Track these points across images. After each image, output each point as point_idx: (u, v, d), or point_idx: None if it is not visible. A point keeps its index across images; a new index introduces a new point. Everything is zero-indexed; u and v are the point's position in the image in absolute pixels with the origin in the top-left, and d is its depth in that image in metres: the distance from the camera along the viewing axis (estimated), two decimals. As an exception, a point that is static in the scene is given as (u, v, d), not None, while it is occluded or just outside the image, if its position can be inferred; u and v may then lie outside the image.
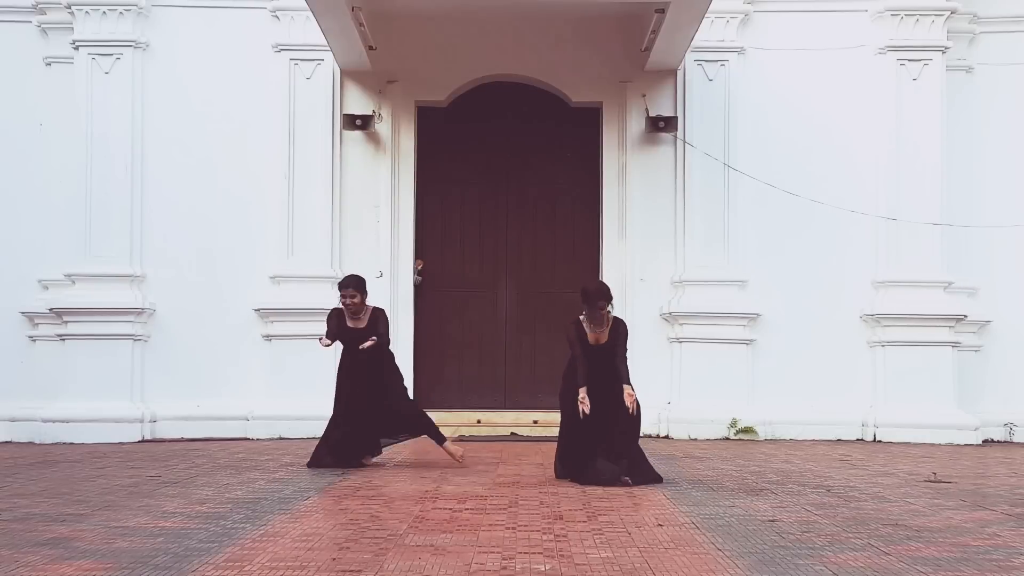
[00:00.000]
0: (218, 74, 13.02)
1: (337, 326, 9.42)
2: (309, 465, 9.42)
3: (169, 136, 12.96)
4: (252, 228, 12.96)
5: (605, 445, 8.41)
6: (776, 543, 5.90)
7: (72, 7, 12.79)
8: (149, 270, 12.87)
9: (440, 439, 9.68)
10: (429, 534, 6.17)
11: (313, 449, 9.66)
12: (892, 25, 13.07)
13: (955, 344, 12.93)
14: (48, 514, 6.87)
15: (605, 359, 8.62)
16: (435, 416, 12.93)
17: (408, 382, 12.82)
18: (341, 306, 9.46)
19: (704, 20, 11.93)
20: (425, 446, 11.73)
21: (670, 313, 12.83)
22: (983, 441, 12.90)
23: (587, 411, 8.42)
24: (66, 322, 12.64)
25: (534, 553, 5.58)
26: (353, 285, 9.41)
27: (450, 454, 9.59)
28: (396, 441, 9.87)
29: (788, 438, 12.76)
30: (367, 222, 13.03)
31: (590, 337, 8.66)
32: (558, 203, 13.67)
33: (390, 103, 13.08)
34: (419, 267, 13.31)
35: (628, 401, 8.44)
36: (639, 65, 12.95)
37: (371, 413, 9.45)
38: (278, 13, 12.99)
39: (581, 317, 8.74)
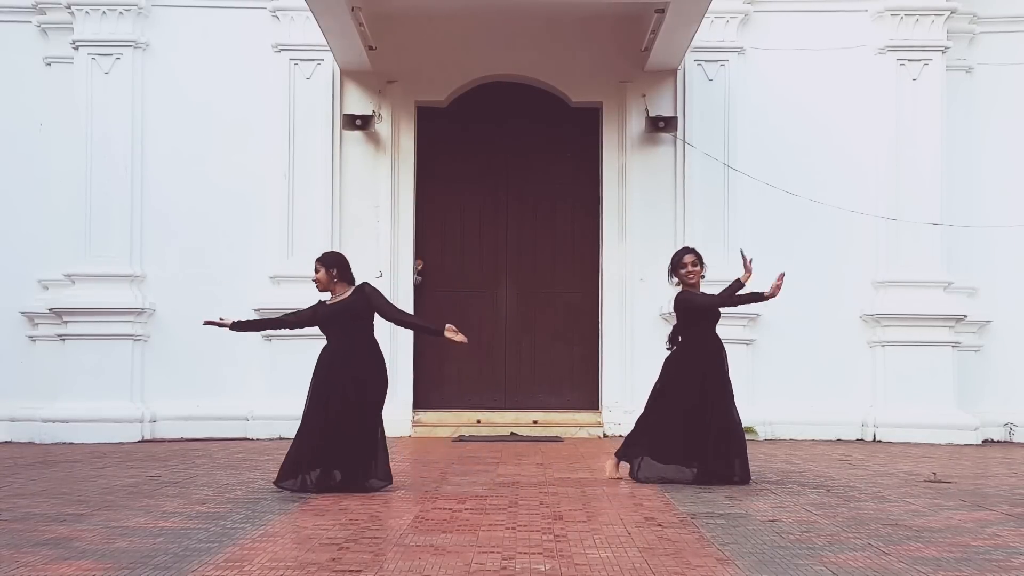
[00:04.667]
0: (218, 74, 13.02)
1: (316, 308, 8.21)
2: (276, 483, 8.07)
3: (169, 136, 12.96)
4: (252, 228, 12.96)
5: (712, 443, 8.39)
6: (776, 543, 5.90)
7: (72, 7, 12.79)
8: (149, 270, 12.88)
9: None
10: (429, 534, 6.17)
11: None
12: (892, 25, 13.07)
13: (955, 344, 12.93)
14: (48, 514, 6.87)
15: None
16: (435, 416, 13.11)
17: (408, 382, 12.95)
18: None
19: (704, 20, 11.93)
20: (426, 446, 11.76)
21: (670, 313, 12.78)
22: (983, 441, 12.90)
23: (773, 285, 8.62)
24: (66, 322, 12.65)
25: (534, 553, 5.58)
26: (319, 259, 8.28)
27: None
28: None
29: (788, 438, 12.76)
30: (367, 222, 13.03)
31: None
32: (558, 203, 13.67)
33: (390, 103, 13.07)
34: (419, 267, 13.31)
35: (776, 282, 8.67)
36: (639, 65, 12.95)
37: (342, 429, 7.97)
38: (278, 13, 12.99)
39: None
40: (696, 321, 8.70)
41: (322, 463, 7.92)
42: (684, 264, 8.66)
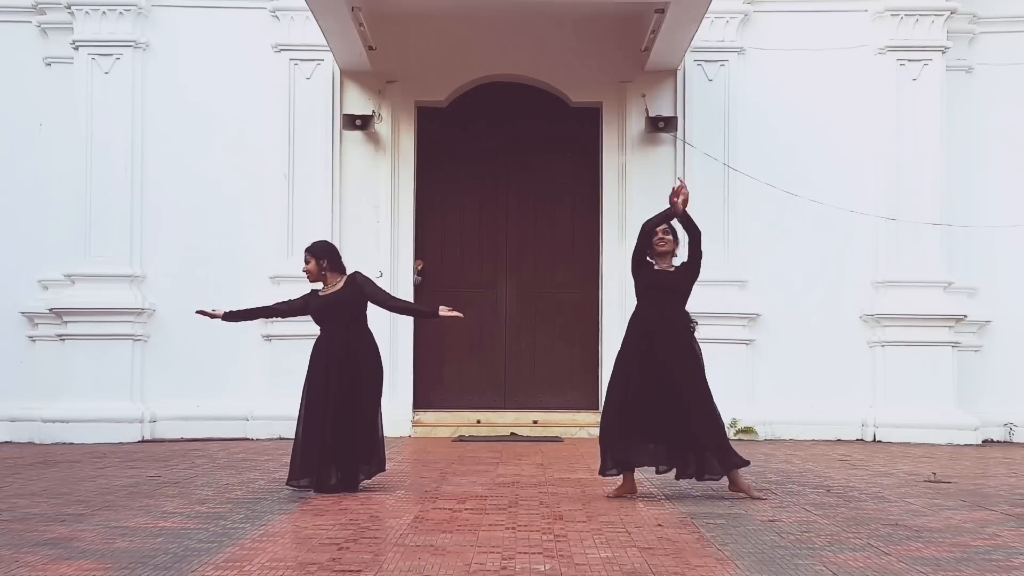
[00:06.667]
0: (218, 74, 13.02)
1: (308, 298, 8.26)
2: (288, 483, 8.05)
3: (169, 136, 12.96)
4: (252, 228, 12.96)
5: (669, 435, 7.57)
6: (776, 543, 5.90)
7: (72, 7, 12.79)
8: (149, 270, 12.88)
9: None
10: (429, 534, 6.17)
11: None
12: (892, 25, 13.07)
13: (955, 344, 12.92)
14: (48, 514, 6.87)
15: (669, 296, 7.62)
16: (435, 416, 13.12)
17: (408, 382, 12.95)
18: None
19: (704, 20, 11.93)
20: (426, 445, 11.77)
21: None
22: (983, 441, 12.90)
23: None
24: (66, 322, 12.64)
25: (534, 553, 5.58)
26: (308, 249, 8.26)
27: None
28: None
29: (788, 438, 12.76)
30: (367, 222, 13.03)
31: (656, 264, 7.68)
32: (558, 203, 13.67)
33: (390, 103, 13.07)
34: (419, 267, 13.31)
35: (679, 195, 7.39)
36: (639, 65, 12.95)
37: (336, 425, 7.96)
38: (278, 13, 12.99)
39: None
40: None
41: (332, 462, 7.93)
42: (655, 232, 7.71)
